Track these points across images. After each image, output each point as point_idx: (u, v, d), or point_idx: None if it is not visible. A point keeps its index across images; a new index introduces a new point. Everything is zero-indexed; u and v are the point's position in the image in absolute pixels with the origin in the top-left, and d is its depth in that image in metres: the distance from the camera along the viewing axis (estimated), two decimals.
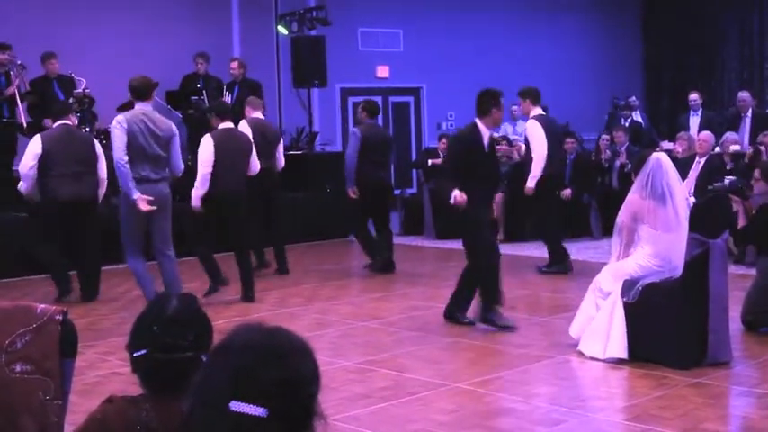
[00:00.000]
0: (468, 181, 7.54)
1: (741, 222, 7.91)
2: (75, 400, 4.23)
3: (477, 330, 7.72)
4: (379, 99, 16.43)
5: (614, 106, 15.45)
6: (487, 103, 7.79)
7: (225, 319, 7.65)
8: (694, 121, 13.81)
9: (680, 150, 11.75)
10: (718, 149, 11.87)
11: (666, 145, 13.42)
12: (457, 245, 11.07)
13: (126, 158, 7.72)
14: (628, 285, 6.55)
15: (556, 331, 7.46)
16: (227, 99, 12.84)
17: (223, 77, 13.34)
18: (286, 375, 1.80)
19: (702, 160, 10.96)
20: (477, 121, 7.82)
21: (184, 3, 14.37)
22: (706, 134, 11.39)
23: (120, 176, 7.73)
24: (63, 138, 8.81)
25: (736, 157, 11.34)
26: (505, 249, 11.65)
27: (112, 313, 8.22)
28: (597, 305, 6.72)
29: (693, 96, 14.02)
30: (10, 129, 11.41)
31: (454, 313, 7.86)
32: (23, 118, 11.26)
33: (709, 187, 10.64)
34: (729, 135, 11.68)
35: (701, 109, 14.02)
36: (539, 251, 11.76)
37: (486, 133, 7.79)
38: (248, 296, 8.86)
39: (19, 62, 11.39)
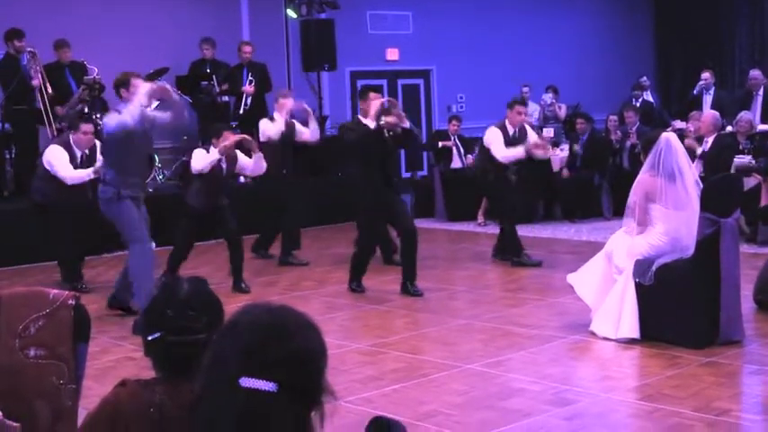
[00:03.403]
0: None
1: (764, 200, 7.90)
2: (89, 385, 4.28)
3: (489, 312, 7.74)
4: (386, 82, 16.44)
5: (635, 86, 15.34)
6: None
7: (237, 302, 7.66)
8: (707, 100, 13.74)
9: (692, 129, 11.70)
10: (729, 128, 11.81)
11: (678, 124, 13.37)
12: (468, 227, 11.08)
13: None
14: (640, 266, 6.54)
15: (567, 312, 7.46)
16: (250, 87, 12.91)
17: (233, 62, 13.33)
18: (293, 350, 1.83)
19: (710, 140, 10.92)
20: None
21: None
22: (708, 115, 11.34)
23: None
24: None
25: (752, 136, 11.29)
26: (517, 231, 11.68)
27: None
28: (613, 278, 6.71)
29: (705, 75, 13.93)
30: (31, 116, 11.45)
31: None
32: (41, 105, 11.30)
33: (736, 160, 10.59)
34: (744, 114, 11.60)
35: (713, 88, 13.95)
36: (549, 233, 11.76)
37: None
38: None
39: (29, 49, 11.38)
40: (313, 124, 10.31)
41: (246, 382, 1.78)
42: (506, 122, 9.74)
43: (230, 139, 8.68)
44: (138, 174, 7.69)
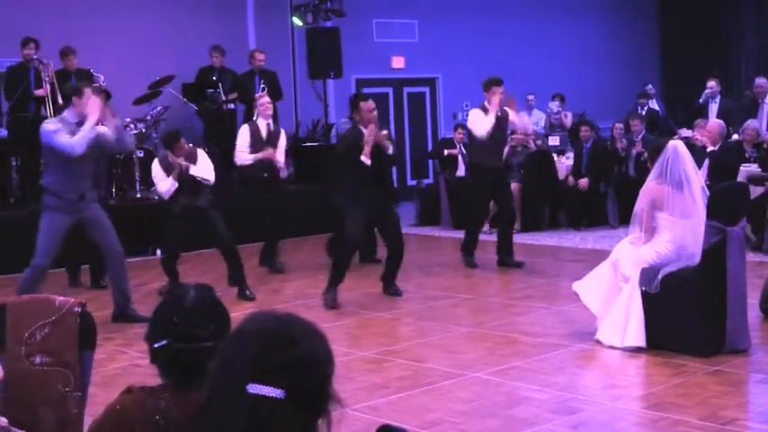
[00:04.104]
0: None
1: None
2: (95, 392, 4.27)
3: (495, 320, 7.73)
4: (391, 90, 16.47)
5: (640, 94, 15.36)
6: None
7: (242, 310, 7.66)
8: (712, 108, 13.72)
9: (698, 138, 11.68)
10: (736, 137, 11.78)
11: (684, 132, 13.35)
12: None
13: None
14: (646, 274, 6.53)
15: (573, 320, 7.45)
16: (263, 93, 12.94)
17: (238, 69, 13.36)
18: (300, 357, 1.83)
19: (715, 148, 10.89)
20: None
21: None
22: (713, 124, 11.31)
23: None
24: None
25: (758, 144, 11.27)
26: (523, 239, 11.70)
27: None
28: (618, 286, 6.71)
29: (711, 84, 13.92)
30: (34, 124, 11.45)
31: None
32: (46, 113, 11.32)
33: (745, 169, 10.56)
34: (750, 123, 11.58)
35: (719, 96, 13.93)
36: (555, 241, 11.75)
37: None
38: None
39: (35, 57, 11.40)
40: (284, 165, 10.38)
41: (254, 388, 1.78)
42: (485, 104, 9.80)
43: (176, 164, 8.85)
44: (77, 185, 7.51)
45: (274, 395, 1.78)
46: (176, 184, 8.87)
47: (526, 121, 10.25)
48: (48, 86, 11.29)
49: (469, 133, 10.26)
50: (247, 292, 8.79)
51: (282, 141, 10.09)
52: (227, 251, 8.87)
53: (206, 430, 1.88)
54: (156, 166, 9.10)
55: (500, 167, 10.06)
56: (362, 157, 8.27)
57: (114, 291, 8.03)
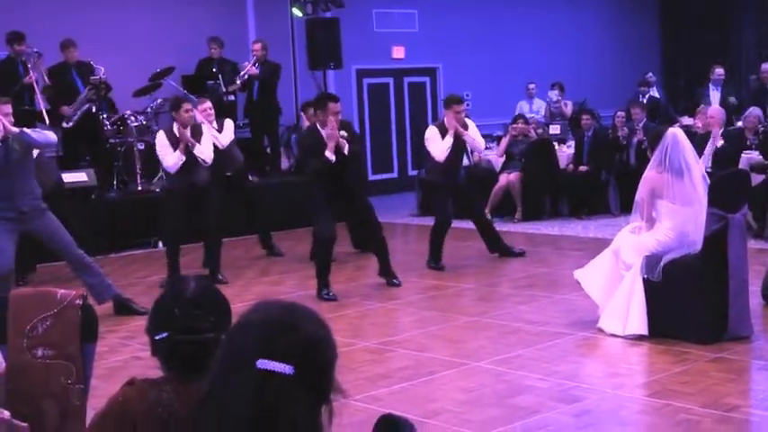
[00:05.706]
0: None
1: None
2: (97, 384, 4.28)
3: (496, 309, 7.74)
4: (392, 80, 16.45)
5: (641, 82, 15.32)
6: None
7: (243, 301, 7.67)
8: (714, 95, 13.70)
9: (700, 125, 11.66)
10: (740, 124, 11.75)
11: (686, 120, 13.34)
12: (472, 225, 11.09)
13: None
14: (648, 262, 6.53)
15: (575, 309, 7.45)
16: (254, 68, 12.91)
17: (239, 60, 13.34)
18: (303, 342, 1.84)
19: (718, 134, 10.86)
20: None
21: None
22: (714, 110, 11.28)
23: None
24: None
25: (759, 132, 11.25)
26: (523, 228, 11.71)
27: (133, 298, 8.25)
28: (620, 274, 6.71)
29: (719, 71, 13.88)
30: (30, 116, 11.45)
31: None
32: (42, 106, 11.29)
33: (748, 157, 10.54)
34: (753, 110, 11.55)
35: (720, 84, 13.92)
36: (556, 229, 11.75)
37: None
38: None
39: (35, 50, 11.40)
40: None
41: (263, 363, 1.80)
42: (445, 122, 9.49)
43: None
44: (11, 204, 7.23)
45: (284, 371, 1.79)
46: (183, 158, 8.77)
47: (479, 144, 9.90)
48: (33, 73, 11.27)
49: (426, 150, 9.81)
50: (219, 277, 8.96)
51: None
52: (209, 240, 9.10)
53: (209, 419, 1.88)
54: (161, 139, 8.93)
55: (457, 184, 9.69)
56: (327, 153, 8.18)
57: (91, 289, 7.52)
